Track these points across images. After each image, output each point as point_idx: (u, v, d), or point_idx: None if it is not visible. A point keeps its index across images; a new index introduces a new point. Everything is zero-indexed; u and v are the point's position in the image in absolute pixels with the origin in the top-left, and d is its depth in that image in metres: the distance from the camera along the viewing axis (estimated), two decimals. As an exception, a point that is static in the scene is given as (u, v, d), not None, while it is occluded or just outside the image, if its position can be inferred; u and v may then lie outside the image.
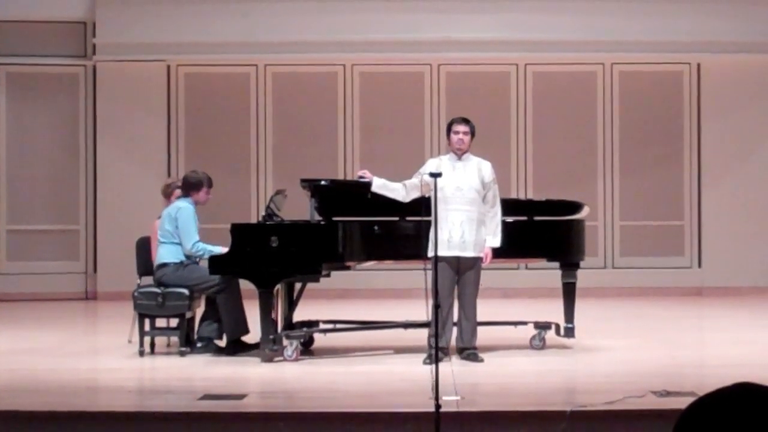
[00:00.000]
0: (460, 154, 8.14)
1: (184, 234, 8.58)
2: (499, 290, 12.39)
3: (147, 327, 8.56)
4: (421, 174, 7.94)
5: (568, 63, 14.07)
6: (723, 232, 14.03)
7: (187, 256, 8.63)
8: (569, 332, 8.66)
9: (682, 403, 1.91)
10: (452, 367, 7.10)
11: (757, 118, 14.04)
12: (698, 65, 14.16)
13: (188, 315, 8.61)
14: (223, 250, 8.32)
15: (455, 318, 8.13)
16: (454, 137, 8.16)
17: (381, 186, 8.16)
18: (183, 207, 8.70)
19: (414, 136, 14.11)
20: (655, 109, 14.25)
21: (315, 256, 8.07)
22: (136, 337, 8.67)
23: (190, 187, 8.82)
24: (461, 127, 8.17)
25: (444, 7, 13.72)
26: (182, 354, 8.43)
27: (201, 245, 8.54)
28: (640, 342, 9.32)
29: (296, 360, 8.06)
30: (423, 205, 7.74)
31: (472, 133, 8.19)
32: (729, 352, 8.72)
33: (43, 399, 6.57)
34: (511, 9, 13.71)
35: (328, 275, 8.43)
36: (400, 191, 8.12)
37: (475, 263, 8.02)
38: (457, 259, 7.95)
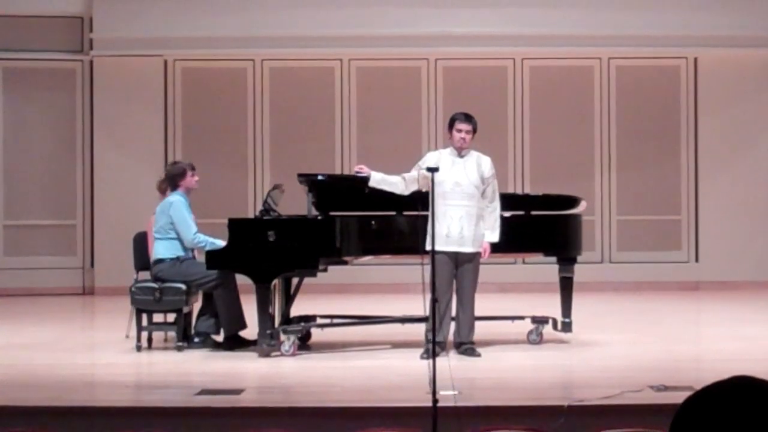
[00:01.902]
0: (460, 151, 8.13)
1: (182, 226, 8.57)
2: (496, 285, 12.37)
3: (144, 322, 8.56)
4: (420, 167, 7.94)
5: (565, 57, 14.06)
6: (720, 227, 14.04)
7: (186, 250, 8.63)
8: (566, 327, 8.66)
9: (680, 397, 1.91)
10: (449, 362, 7.09)
11: (754, 113, 14.05)
12: (695, 60, 14.16)
13: (185, 310, 8.61)
14: (224, 243, 8.30)
15: (453, 313, 8.13)
16: (456, 135, 8.13)
17: (379, 180, 8.13)
18: (174, 200, 8.69)
19: (411, 130, 14.10)
20: (651, 104, 14.25)
21: (312, 251, 8.06)
22: (133, 332, 8.66)
23: (176, 177, 8.81)
24: (464, 126, 8.12)
25: (441, 1, 13.71)
26: (179, 349, 8.42)
27: (202, 236, 8.54)
28: (638, 336, 9.32)
29: (293, 355, 8.06)
30: (420, 201, 7.73)
31: (474, 131, 8.18)
32: (726, 346, 8.73)
33: (40, 394, 6.56)
34: (508, 3, 13.70)
35: (325, 270, 8.42)
36: (399, 185, 8.10)
37: (473, 258, 8.02)
38: (456, 254, 7.95)
